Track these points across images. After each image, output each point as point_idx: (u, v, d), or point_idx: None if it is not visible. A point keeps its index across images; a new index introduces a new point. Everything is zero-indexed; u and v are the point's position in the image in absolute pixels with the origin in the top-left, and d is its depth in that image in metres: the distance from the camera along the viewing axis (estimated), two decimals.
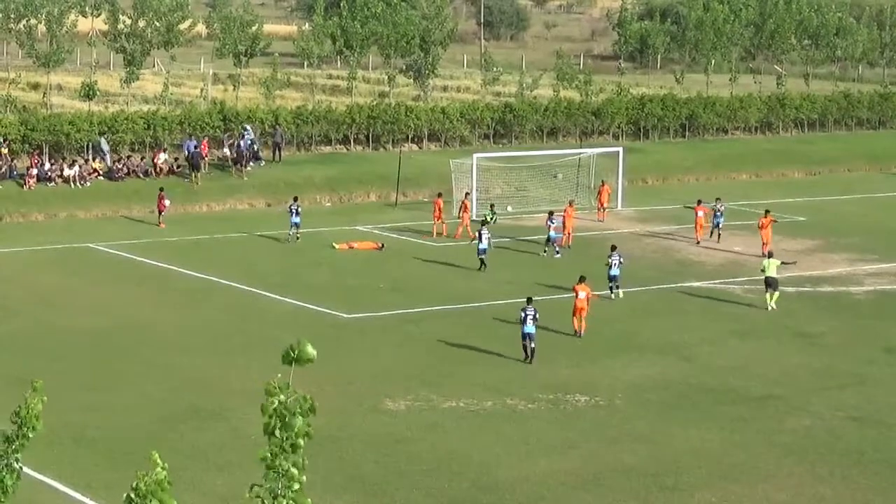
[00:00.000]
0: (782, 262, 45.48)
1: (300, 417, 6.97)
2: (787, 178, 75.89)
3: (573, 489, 28.02)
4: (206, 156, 64.41)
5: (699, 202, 56.30)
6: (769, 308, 43.83)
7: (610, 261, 44.95)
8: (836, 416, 33.34)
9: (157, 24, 72.97)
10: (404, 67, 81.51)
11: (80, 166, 61.22)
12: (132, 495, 6.99)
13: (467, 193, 58.37)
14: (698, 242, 55.16)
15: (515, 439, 31.01)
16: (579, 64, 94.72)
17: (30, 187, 59.57)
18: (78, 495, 27.13)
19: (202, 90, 74.05)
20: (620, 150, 66.23)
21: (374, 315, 42.53)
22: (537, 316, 37.14)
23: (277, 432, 6.96)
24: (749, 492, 28.14)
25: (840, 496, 28.16)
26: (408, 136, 72.44)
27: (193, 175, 62.63)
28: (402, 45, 78.82)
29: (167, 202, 56.96)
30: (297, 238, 53.60)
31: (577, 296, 39.88)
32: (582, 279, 40.21)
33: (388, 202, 63.88)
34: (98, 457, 29.16)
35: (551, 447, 30.62)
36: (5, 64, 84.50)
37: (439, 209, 55.73)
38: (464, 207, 56.05)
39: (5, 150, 60.40)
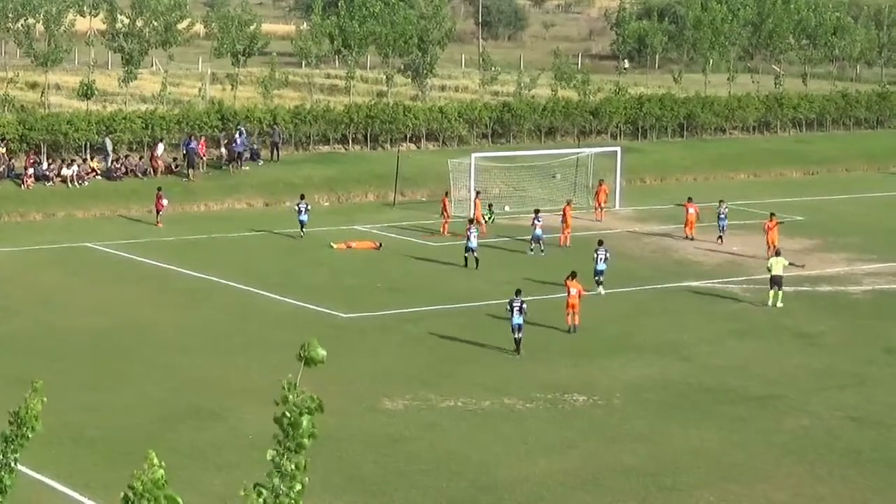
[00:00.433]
0: (790, 263, 45.38)
1: (307, 417, 6.97)
2: (785, 177, 75.88)
3: (572, 489, 28.01)
4: (205, 155, 64.46)
5: (689, 199, 56.76)
6: (769, 304, 43.87)
7: (596, 255, 45.26)
8: (835, 416, 33.34)
9: (155, 23, 72.89)
10: (402, 67, 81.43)
11: (78, 166, 61.21)
12: (129, 494, 6.98)
13: (479, 192, 58.60)
14: (692, 239, 55.44)
15: (514, 439, 31.00)
16: (577, 63, 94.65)
17: (28, 187, 59.56)
18: (76, 495, 27.12)
19: (200, 89, 74.08)
20: (618, 149, 66.23)
21: (372, 315, 42.52)
22: (525, 307, 37.28)
23: (285, 432, 6.97)
24: (748, 492, 28.13)
25: (839, 496, 28.15)
26: (406, 136, 72.41)
27: (190, 172, 62.76)
28: (400, 45, 78.74)
29: (165, 202, 56.97)
30: (301, 236, 54.00)
31: (569, 292, 40.08)
32: (573, 275, 40.32)
33: (387, 202, 63.85)
34: (97, 456, 29.13)
35: (550, 447, 30.61)
36: (3, 63, 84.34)
37: (445, 207, 55.93)
38: (477, 206, 56.37)
39: (3, 150, 60.37)
